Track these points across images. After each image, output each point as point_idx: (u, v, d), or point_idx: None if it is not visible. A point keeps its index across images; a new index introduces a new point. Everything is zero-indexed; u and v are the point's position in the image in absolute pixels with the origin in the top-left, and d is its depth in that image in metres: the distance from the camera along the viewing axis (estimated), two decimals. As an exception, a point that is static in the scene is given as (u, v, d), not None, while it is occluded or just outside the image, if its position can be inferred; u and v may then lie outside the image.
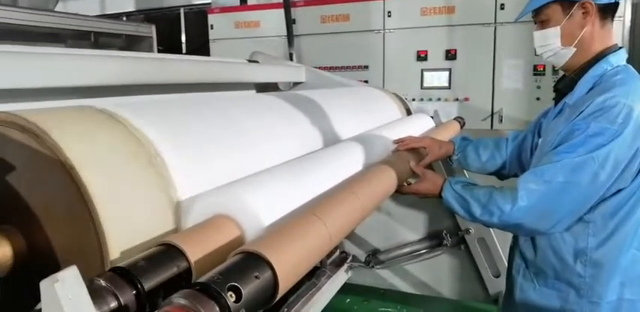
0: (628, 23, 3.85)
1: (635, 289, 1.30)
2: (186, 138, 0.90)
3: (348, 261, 2.84)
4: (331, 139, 1.40)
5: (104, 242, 0.67)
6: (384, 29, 4.41)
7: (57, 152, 0.69)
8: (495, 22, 3.95)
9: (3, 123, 0.75)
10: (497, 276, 2.67)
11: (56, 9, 5.26)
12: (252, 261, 0.60)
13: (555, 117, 1.40)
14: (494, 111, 4.01)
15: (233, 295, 0.55)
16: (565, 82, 1.42)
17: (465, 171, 2.12)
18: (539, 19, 1.38)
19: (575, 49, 1.34)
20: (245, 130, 1.04)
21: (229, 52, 4.89)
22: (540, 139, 1.46)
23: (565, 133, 1.22)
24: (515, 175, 1.70)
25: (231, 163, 0.95)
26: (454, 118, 2.52)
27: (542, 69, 3.81)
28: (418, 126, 2.00)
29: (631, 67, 1.33)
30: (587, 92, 1.30)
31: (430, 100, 4.24)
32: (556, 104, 1.45)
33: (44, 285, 0.46)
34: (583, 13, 1.30)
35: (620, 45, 1.43)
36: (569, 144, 1.19)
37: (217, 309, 0.53)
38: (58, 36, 3.45)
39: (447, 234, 2.61)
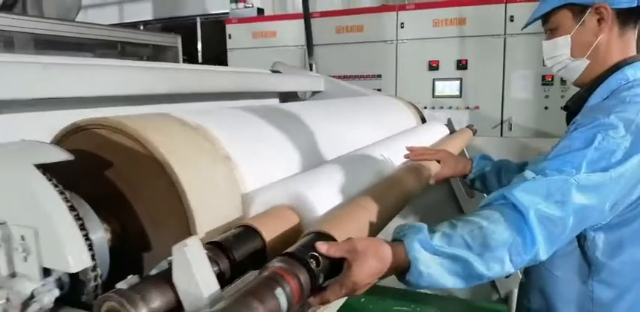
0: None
1: None
2: (247, 140, 1.05)
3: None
4: (358, 143, 1.55)
5: (192, 223, 0.83)
6: (397, 40, 4.56)
7: (153, 150, 0.84)
8: (505, 34, 4.10)
9: (101, 126, 0.91)
10: (508, 276, 2.80)
11: (76, 18, 5.48)
12: (322, 238, 0.76)
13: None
14: (504, 119, 4.15)
15: (314, 262, 0.70)
16: (574, 99, 1.23)
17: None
18: (548, 27, 1.22)
19: (588, 62, 1.16)
20: (291, 134, 1.20)
21: (246, 61, 5.07)
22: None
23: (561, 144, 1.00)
24: None
25: (283, 161, 1.11)
26: (466, 126, 2.66)
27: (550, 79, 3.95)
28: (433, 133, 2.15)
29: None
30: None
31: (442, 108, 4.38)
32: (568, 124, 1.24)
33: (176, 248, 0.61)
34: (598, 19, 1.11)
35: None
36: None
37: (305, 271, 0.68)
38: (87, 46, 3.63)
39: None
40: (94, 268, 0.71)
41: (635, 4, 1.09)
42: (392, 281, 2.68)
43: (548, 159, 0.97)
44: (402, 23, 4.52)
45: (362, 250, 0.77)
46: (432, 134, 2.08)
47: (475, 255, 0.81)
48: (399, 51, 4.56)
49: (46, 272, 0.68)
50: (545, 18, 1.21)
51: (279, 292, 0.62)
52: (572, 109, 1.22)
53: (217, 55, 5.71)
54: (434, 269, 0.80)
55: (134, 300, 0.58)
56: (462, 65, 4.30)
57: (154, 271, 0.68)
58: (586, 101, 1.15)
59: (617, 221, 1.03)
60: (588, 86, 1.18)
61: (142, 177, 0.87)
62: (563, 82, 3.91)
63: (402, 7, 4.53)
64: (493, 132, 4.17)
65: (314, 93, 3.20)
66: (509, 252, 0.83)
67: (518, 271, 2.28)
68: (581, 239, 1.09)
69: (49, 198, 0.65)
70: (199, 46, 7.18)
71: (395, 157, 1.41)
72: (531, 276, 1.22)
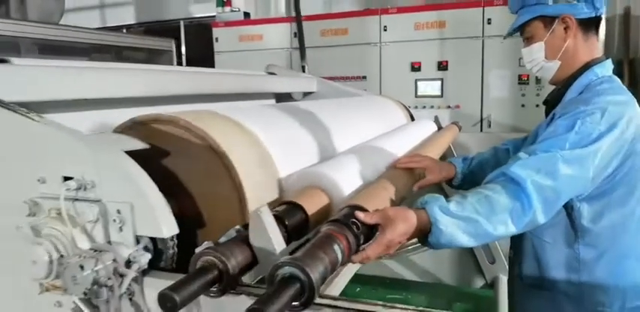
0: (602, 36, 4.26)
1: (638, 298, 1.29)
2: (277, 133, 1.21)
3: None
4: (363, 136, 1.72)
5: (244, 202, 0.98)
6: (380, 42, 4.75)
7: (211, 142, 0.99)
8: (483, 36, 4.33)
9: (163, 122, 1.05)
10: (493, 262, 3.00)
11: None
12: (357, 209, 0.92)
13: (547, 127, 1.32)
14: (483, 117, 4.38)
15: (355, 226, 0.86)
16: (553, 94, 1.44)
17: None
18: (525, 36, 1.41)
19: (559, 62, 1.36)
20: (311, 128, 1.36)
21: (233, 64, 5.20)
22: None
23: (553, 126, 1.20)
24: None
25: (307, 150, 1.27)
26: (452, 123, 2.85)
27: (526, 78, 4.19)
28: (425, 129, 2.33)
29: (616, 77, 1.35)
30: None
31: (424, 107, 4.58)
32: (547, 116, 1.44)
33: (254, 213, 0.76)
34: (564, 27, 1.32)
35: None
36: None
37: (350, 233, 0.84)
38: (82, 50, 3.71)
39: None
40: (172, 238, 0.85)
41: (594, 15, 1.32)
42: (384, 271, 2.84)
43: (538, 142, 1.18)
44: (385, 26, 4.71)
45: (392, 216, 0.95)
46: (424, 130, 2.26)
47: (483, 218, 1.01)
48: (383, 53, 4.75)
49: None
50: (522, 29, 1.42)
51: (336, 247, 0.78)
52: (552, 103, 1.44)
53: (202, 58, 5.80)
54: (451, 229, 0.99)
55: (226, 254, 0.73)
56: (442, 66, 4.51)
57: (223, 239, 0.83)
58: (563, 96, 1.37)
59: (597, 193, 1.24)
60: (564, 83, 1.39)
61: (194, 163, 1.02)
62: (538, 81, 4.15)
63: (385, 11, 4.72)
64: (473, 129, 4.39)
65: (306, 94, 3.35)
66: (510, 216, 1.03)
67: (504, 258, 2.43)
68: (568, 209, 1.28)
69: (142, 178, 0.80)
70: (183, 50, 7.25)
71: (398, 149, 1.58)
72: (525, 246, 1.40)
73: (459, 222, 1.00)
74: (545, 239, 1.34)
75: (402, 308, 0.68)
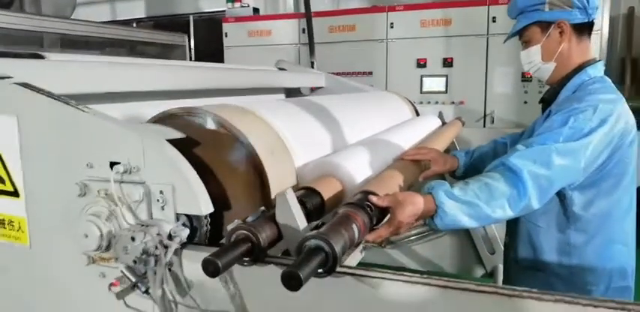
0: (606, 35, 4.34)
1: (623, 279, 1.41)
2: (295, 126, 1.32)
3: (362, 242, 3.26)
4: (372, 129, 1.83)
5: (267, 187, 1.09)
6: (387, 39, 4.85)
7: (237, 133, 1.10)
8: (488, 34, 4.42)
9: (188, 113, 1.16)
10: (493, 253, 3.11)
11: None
12: (369, 194, 1.04)
13: (543, 122, 1.41)
14: (487, 113, 4.48)
15: (369, 208, 0.98)
16: (549, 93, 1.55)
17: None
18: (523, 40, 1.52)
19: (555, 64, 1.47)
20: (324, 121, 1.47)
21: (242, 58, 5.30)
22: None
23: (550, 121, 1.31)
24: None
25: (321, 142, 1.38)
26: (455, 118, 2.95)
27: (529, 76, 4.28)
28: (429, 123, 2.44)
29: (607, 78, 1.46)
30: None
31: (429, 103, 4.69)
32: (543, 113, 1.56)
33: (280, 195, 0.88)
34: (559, 32, 1.43)
35: (597, 57, 1.55)
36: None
37: (365, 213, 0.96)
38: (96, 44, 3.82)
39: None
40: (205, 216, 0.97)
41: (587, 20, 1.43)
42: (388, 260, 2.94)
43: (535, 136, 1.30)
44: (392, 23, 4.81)
45: (402, 200, 1.07)
46: (429, 124, 2.37)
47: (483, 202, 1.13)
48: (389, 49, 4.85)
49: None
50: (520, 33, 1.53)
51: (353, 226, 0.90)
52: (547, 101, 1.56)
53: (211, 53, 5.91)
54: (454, 211, 1.11)
55: (257, 229, 0.84)
56: (447, 63, 4.61)
57: (250, 218, 0.94)
58: (558, 94, 1.48)
59: (588, 182, 1.36)
60: (559, 83, 1.50)
61: (221, 152, 1.13)
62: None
63: (392, 8, 4.82)
64: (477, 125, 4.49)
65: (315, 89, 3.45)
66: (508, 201, 1.15)
67: (502, 249, 2.53)
68: (561, 197, 1.40)
69: (183, 162, 0.91)
70: (192, 44, 7.36)
71: (405, 142, 1.69)
72: (520, 231, 1.52)
73: (461, 205, 1.12)
74: (539, 225, 1.45)
75: (408, 276, 0.80)
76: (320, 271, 0.78)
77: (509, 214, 1.16)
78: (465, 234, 3.12)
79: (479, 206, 1.12)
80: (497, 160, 1.26)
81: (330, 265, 0.79)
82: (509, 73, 4.42)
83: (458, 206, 1.11)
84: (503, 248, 3.04)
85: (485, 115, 4.53)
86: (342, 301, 0.84)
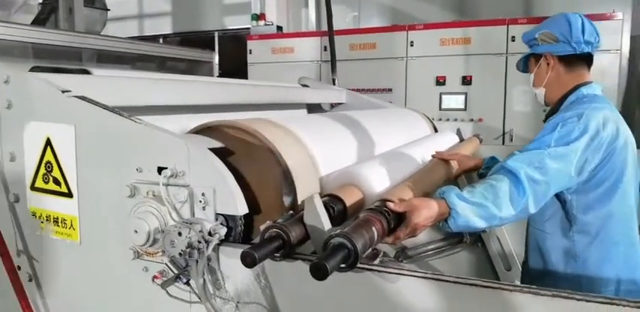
0: (626, 54, 4.36)
1: (632, 282, 1.46)
2: (320, 139, 1.44)
3: (379, 256, 3.32)
4: (392, 143, 1.93)
5: (295, 193, 1.20)
6: (406, 57, 4.97)
7: (269, 145, 1.22)
8: (507, 53, 4.51)
9: (224, 127, 1.29)
10: (509, 269, 3.14)
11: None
12: (387, 201, 1.14)
13: None
14: (506, 131, 4.54)
15: (387, 213, 1.08)
16: (550, 111, 1.67)
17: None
18: (526, 70, 1.75)
19: (544, 89, 1.65)
20: (347, 135, 1.58)
21: (266, 75, 5.47)
22: None
23: (543, 129, 1.44)
24: None
25: (344, 154, 1.49)
26: (473, 135, 3.03)
27: (547, 95, 4.34)
28: (447, 140, 2.53)
29: (603, 96, 1.60)
30: None
31: (447, 120, 4.77)
32: None
33: (308, 199, 0.99)
34: (547, 63, 1.61)
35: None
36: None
37: (383, 218, 1.06)
38: (129, 59, 4.01)
39: (466, 232, 3.09)
40: (241, 218, 1.08)
41: (574, 52, 1.57)
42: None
43: (529, 142, 1.43)
44: (412, 42, 4.93)
45: (417, 205, 1.18)
46: (447, 141, 2.46)
47: (490, 202, 1.24)
48: (409, 67, 4.97)
49: (211, 219, 1.05)
50: (524, 65, 1.76)
51: (373, 228, 1.00)
52: (548, 117, 1.65)
53: (236, 69, 6.10)
54: (466, 212, 1.22)
55: (288, 228, 0.95)
56: (467, 81, 4.70)
57: (280, 220, 1.05)
58: (557, 112, 1.60)
59: (585, 187, 1.45)
60: (558, 103, 1.65)
61: (254, 161, 1.24)
62: (559, 97, 4.30)
63: (412, 27, 4.95)
64: (496, 142, 4.56)
65: (335, 105, 3.57)
66: (510, 200, 1.26)
67: (519, 265, 2.53)
68: (562, 201, 1.49)
69: (224, 168, 1.03)
70: (216, 60, 7.59)
71: (424, 155, 1.79)
72: (530, 240, 1.61)
73: (472, 207, 1.22)
74: (546, 231, 1.55)
75: (420, 277, 0.89)
76: (343, 266, 0.88)
77: (511, 212, 1.26)
78: (482, 250, 3.16)
79: (487, 206, 1.23)
80: (497, 164, 1.39)
81: (352, 261, 0.89)
82: (527, 92, 4.45)
83: (469, 207, 1.22)
84: (519, 266, 3.10)
85: (504, 133, 4.58)
86: (359, 295, 0.94)
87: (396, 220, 1.13)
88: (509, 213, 1.26)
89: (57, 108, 1.25)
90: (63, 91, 1.24)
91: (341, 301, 0.96)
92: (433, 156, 1.80)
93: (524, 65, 1.77)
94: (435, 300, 0.88)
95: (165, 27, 8.31)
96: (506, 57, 4.51)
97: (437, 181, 1.57)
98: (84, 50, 3.34)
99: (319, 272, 0.81)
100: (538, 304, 0.81)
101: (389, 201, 1.15)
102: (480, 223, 1.24)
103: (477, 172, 1.94)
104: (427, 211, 1.17)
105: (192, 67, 4.05)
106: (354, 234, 0.91)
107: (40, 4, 5.91)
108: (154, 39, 7.87)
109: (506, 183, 1.28)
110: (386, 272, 0.90)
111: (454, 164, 1.84)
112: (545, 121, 1.68)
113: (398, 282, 0.90)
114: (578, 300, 0.79)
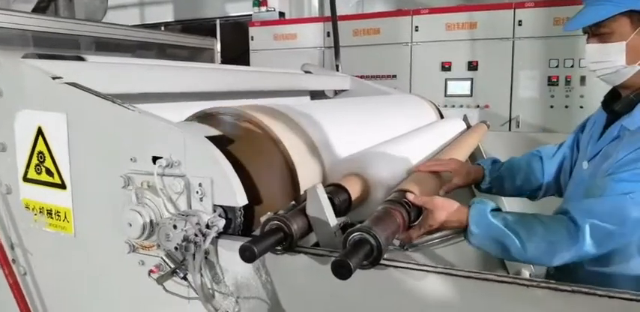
0: None
1: None
2: (322, 127, 1.38)
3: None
4: (397, 130, 1.87)
5: (297, 183, 1.15)
6: (411, 42, 4.88)
7: (269, 132, 1.16)
8: (514, 37, 4.41)
9: (229, 114, 1.23)
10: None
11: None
12: (406, 192, 1.09)
13: (611, 141, 1.20)
14: (512, 117, 4.47)
15: (407, 205, 1.03)
16: (623, 103, 1.22)
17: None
18: (600, 31, 1.18)
19: (639, 68, 1.16)
20: (350, 122, 1.52)
21: (268, 61, 5.40)
22: (585, 162, 1.29)
23: (629, 160, 1.06)
24: (551, 195, 1.57)
25: (348, 142, 1.43)
26: (481, 121, 2.96)
27: (555, 80, 4.26)
28: (454, 126, 2.46)
29: None
30: None
31: (453, 106, 4.69)
32: (607, 125, 1.26)
33: (310, 189, 0.93)
34: None
35: None
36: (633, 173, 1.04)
37: (404, 209, 1.01)
38: (127, 47, 3.95)
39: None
40: (240, 209, 1.03)
41: None
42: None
43: (614, 179, 1.06)
44: (417, 26, 4.84)
45: (438, 205, 1.06)
46: (453, 127, 2.40)
47: (521, 237, 1.00)
48: (414, 53, 4.88)
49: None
50: (598, 23, 1.17)
51: (395, 221, 0.95)
52: (620, 112, 1.23)
53: (237, 56, 6.02)
54: (480, 231, 1.05)
55: (290, 220, 0.90)
56: (472, 66, 4.61)
57: (282, 211, 1.00)
58: (634, 106, 1.18)
59: None
60: (637, 92, 1.20)
61: (254, 149, 1.19)
62: (567, 82, 4.21)
63: (417, 12, 4.85)
64: (502, 129, 4.48)
65: (339, 91, 3.50)
66: (555, 247, 1.02)
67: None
68: None
69: (221, 157, 0.97)
70: (218, 47, 7.50)
71: (430, 143, 1.73)
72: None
73: (494, 232, 1.03)
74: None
75: (440, 272, 0.84)
76: (365, 262, 0.82)
77: (551, 262, 1.04)
78: (488, 237, 3.12)
79: (512, 238, 1.01)
80: (566, 204, 1.13)
81: (374, 257, 0.83)
82: (534, 77, 4.40)
83: (489, 230, 1.03)
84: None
85: (510, 120, 4.51)
86: (367, 291, 0.89)
87: (415, 214, 1.07)
88: (545, 261, 1.04)
89: (48, 96, 1.19)
90: (54, 78, 1.18)
91: (345, 295, 0.91)
92: (416, 170, 1.37)
93: (594, 27, 1.19)
94: (448, 294, 0.83)
95: (166, 15, 8.23)
96: (513, 41, 4.42)
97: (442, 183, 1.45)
98: (84, 38, 3.28)
99: (342, 270, 0.75)
100: (557, 299, 0.76)
101: (409, 191, 1.09)
102: (495, 251, 1.05)
103: (478, 185, 1.57)
104: (445, 214, 1.04)
105: (193, 55, 3.98)
106: (376, 228, 0.85)
107: (39, -8, 5.83)
108: (155, 27, 7.80)
109: (565, 232, 1.02)
110: (410, 268, 0.85)
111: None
112: (605, 106, 1.31)
113: (410, 276, 0.85)
114: (600, 296, 0.73)
